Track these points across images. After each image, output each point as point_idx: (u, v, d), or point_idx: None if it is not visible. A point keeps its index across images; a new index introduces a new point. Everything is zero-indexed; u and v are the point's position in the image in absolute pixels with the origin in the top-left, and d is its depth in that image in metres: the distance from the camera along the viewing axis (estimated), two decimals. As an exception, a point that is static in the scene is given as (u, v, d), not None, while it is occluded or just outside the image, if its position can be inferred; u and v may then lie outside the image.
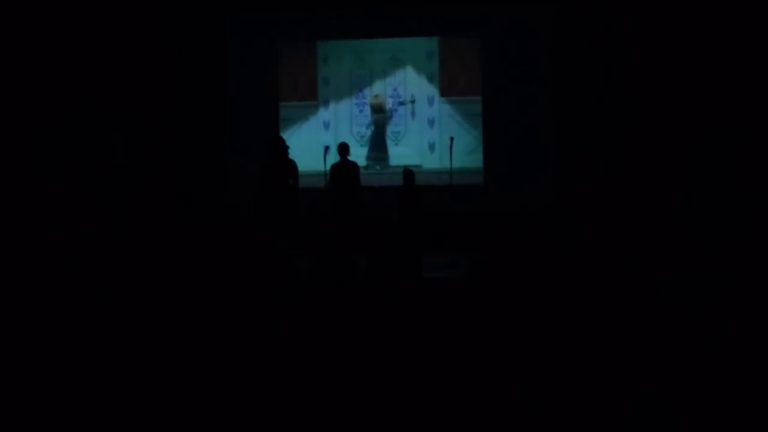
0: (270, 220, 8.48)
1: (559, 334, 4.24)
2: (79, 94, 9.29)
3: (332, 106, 10.98)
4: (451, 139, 9.24)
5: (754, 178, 8.21)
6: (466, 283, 5.32)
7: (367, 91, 11.03)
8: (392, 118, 11.01)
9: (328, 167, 8.97)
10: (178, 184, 9.81)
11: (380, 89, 11.01)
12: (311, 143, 10.34)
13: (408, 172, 9.08)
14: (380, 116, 10.97)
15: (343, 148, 8.90)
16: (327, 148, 9.16)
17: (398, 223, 8.78)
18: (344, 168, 8.83)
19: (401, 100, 11.00)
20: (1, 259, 7.06)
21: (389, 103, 11.00)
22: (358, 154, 10.58)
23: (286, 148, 8.69)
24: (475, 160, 10.37)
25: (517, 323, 4.43)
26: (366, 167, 10.65)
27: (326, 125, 10.94)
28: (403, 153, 10.87)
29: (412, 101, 10.95)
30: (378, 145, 10.95)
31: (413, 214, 8.80)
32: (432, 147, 10.87)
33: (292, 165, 8.62)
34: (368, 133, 10.98)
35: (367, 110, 11.01)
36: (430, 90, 10.91)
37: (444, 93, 10.85)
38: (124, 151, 9.48)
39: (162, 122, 9.83)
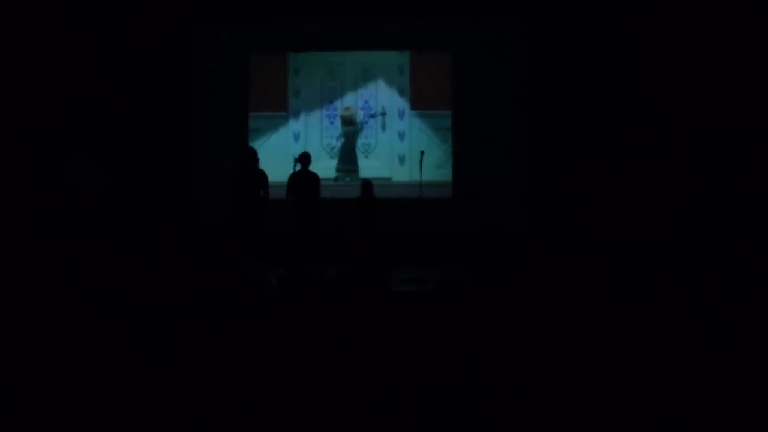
0: (239, 231, 8.39)
1: (528, 347, 4.25)
2: (41, 104, 9.15)
3: (302, 117, 10.95)
4: (422, 153, 9.23)
5: (723, 195, 8.36)
6: (435, 297, 5.31)
7: (338, 103, 11.03)
8: (363, 131, 11.01)
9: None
10: (145, 194, 9.69)
11: (351, 101, 11.01)
12: (281, 154, 10.29)
13: (366, 183, 9.00)
14: (351, 128, 10.95)
15: (305, 158, 8.81)
16: (297, 160, 9.12)
17: (357, 234, 8.69)
18: (304, 178, 8.73)
19: (372, 112, 11.00)
20: None
21: (360, 116, 11.00)
22: (328, 166, 10.55)
23: (257, 158, 8.64)
24: (445, 174, 10.42)
25: (486, 336, 4.43)
26: (336, 179, 10.63)
27: (296, 136, 10.90)
28: (373, 165, 10.86)
29: (383, 114, 10.97)
30: (348, 157, 10.93)
31: (373, 226, 8.72)
32: (402, 160, 10.89)
33: (262, 175, 8.55)
34: (338, 144, 10.96)
35: (338, 122, 11.00)
36: (401, 103, 10.94)
37: (414, 106, 10.88)
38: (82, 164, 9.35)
39: (129, 132, 9.72)
